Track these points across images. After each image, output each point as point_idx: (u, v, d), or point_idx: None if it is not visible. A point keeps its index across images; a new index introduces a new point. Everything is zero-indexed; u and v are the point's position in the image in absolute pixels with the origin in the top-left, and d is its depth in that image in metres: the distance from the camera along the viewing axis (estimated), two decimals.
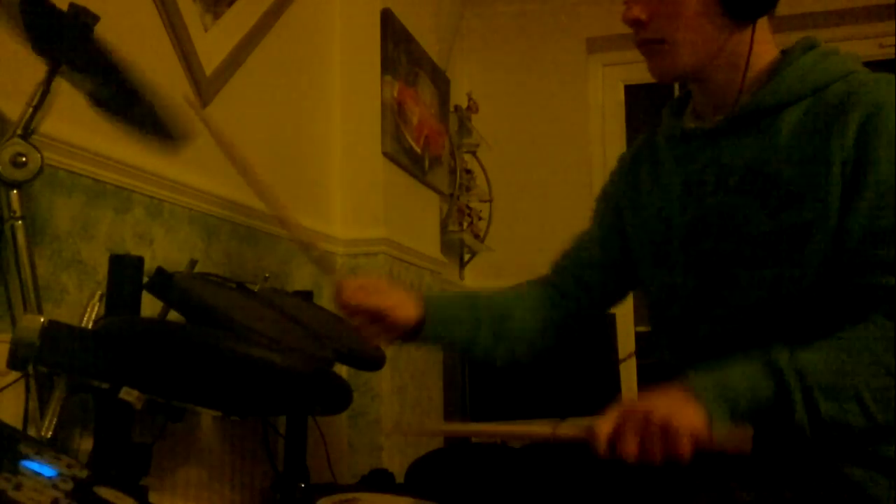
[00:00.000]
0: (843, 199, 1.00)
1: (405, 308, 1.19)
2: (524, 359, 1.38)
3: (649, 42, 1.13)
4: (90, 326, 1.19)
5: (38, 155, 1.09)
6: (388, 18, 2.57)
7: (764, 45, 1.12)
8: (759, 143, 1.10)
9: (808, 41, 1.12)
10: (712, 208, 1.14)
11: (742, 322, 1.10)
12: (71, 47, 1.11)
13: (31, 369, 1.08)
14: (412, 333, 1.21)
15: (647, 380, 3.49)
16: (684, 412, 0.92)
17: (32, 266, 1.12)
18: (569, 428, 0.99)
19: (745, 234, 1.08)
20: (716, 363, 0.99)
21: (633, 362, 3.52)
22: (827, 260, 1.02)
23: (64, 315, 1.40)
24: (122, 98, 1.20)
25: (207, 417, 1.72)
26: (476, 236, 3.49)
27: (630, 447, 0.92)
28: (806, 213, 1.03)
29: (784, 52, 1.13)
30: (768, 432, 0.96)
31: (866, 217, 0.99)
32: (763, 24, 1.11)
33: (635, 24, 1.12)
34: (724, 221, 1.11)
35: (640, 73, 1.23)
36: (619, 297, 1.44)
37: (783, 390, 0.93)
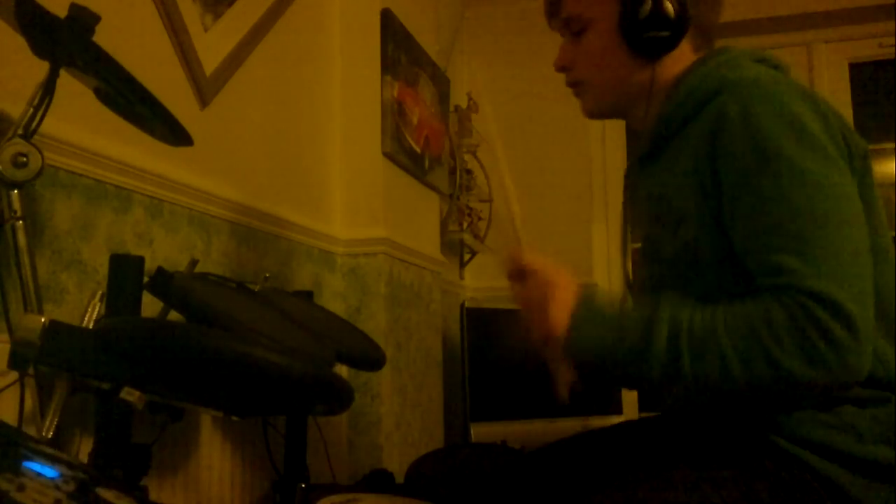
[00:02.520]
0: (712, 213, 1.04)
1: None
2: None
3: (572, 84, 1.25)
4: (91, 326, 1.19)
5: (39, 155, 1.09)
6: (388, 18, 2.57)
7: (683, 64, 1.16)
8: (664, 169, 1.15)
9: (705, 56, 1.14)
10: (646, 238, 1.22)
11: None
12: (71, 48, 1.11)
13: (31, 369, 1.08)
14: None
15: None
16: (559, 309, 1.03)
17: (33, 266, 1.12)
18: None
19: (662, 260, 1.14)
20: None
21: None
22: (723, 273, 1.04)
23: (64, 315, 1.40)
24: (127, 96, 1.20)
25: (207, 417, 1.72)
26: (476, 236, 3.49)
27: (522, 313, 1.08)
28: (689, 231, 1.07)
29: (682, 74, 1.16)
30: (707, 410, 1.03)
31: (738, 224, 1.00)
32: (683, 50, 1.15)
33: (562, 70, 1.24)
34: (652, 249, 1.19)
35: None
36: None
37: (651, 330, 0.96)
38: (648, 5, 1.11)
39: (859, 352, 0.89)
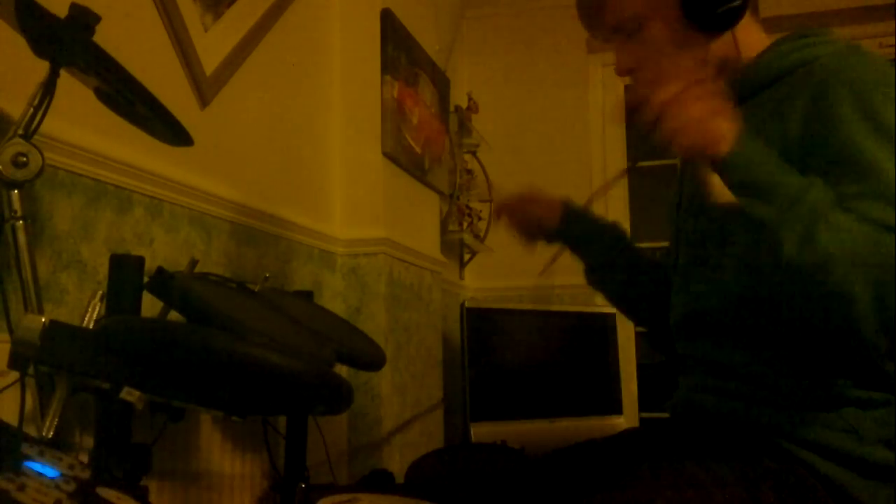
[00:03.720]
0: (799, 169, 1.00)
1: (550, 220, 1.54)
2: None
3: (647, 84, 1.17)
4: (91, 326, 1.19)
5: (40, 155, 1.09)
6: (388, 18, 2.57)
7: (754, 33, 1.14)
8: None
9: (799, 31, 1.13)
10: (696, 191, 1.19)
11: (718, 315, 1.14)
12: (72, 48, 1.11)
13: (32, 369, 1.08)
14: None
15: (647, 380, 3.49)
16: (727, 121, 0.95)
17: (33, 266, 1.12)
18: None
19: (721, 226, 1.12)
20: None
21: (633, 362, 3.52)
22: None
23: (64, 315, 1.40)
24: (127, 96, 1.20)
25: (207, 417, 1.72)
26: (476, 236, 3.49)
27: (667, 123, 0.96)
28: None
29: (776, 41, 1.14)
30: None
31: (833, 185, 0.96)
32: (746, 23, 1.12)
33: (628, 73, 1.18)
34: (699, 203, 1.16)
35: None
36: None
37: (802, 194, 0.91)
38: None
39: None
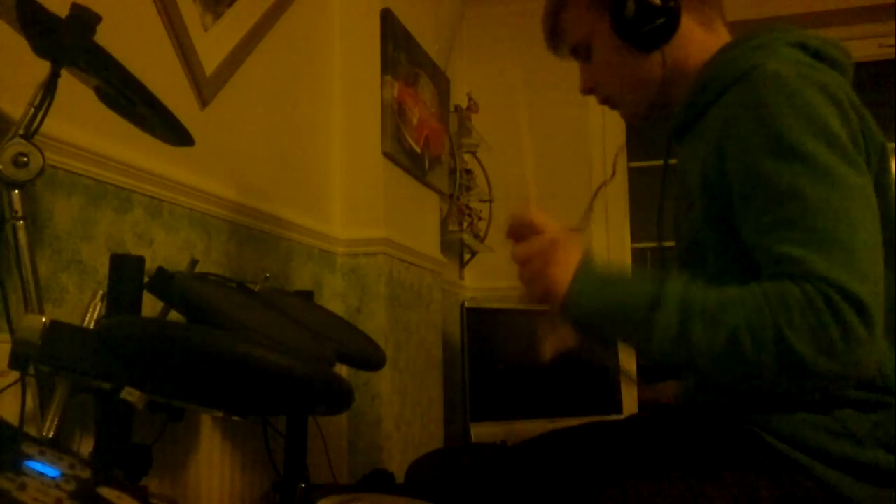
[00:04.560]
0: (721, 203, 1.02)
1: None
2: None
3: (604, 102, 1.26)
4: (91, 326, 1.19)
5: (40, 155, 1.09)
6: (388, 18, 2.57)
7: (697, 40, 1.16)
8: (686, 152, 1.16)
9: (741, 36, 1.14)
10: (674, 211, 1.22)
11: None
12: (72, 48, 1.11)
13: (32, 369, 1.08)
14: None
15: (648, 380, 3.49)
16: (560, 271, 1.01)
17: (34, 266, 1.12)
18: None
19: (681, 239, 1.16)
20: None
21: (633, 361, 3.52)
22: (724, 261, 1.05)
23: (64, 315, 1.40)
24: (128, 96, 1.20)
25: (207, 417, 1.72)
26: (476, 236, 3.49)
27: (520, 274, 1.06)
28: (696, 217, 1.08)
29: (714, 55, 1.15)
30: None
31: (749, 217, 0.98)
32: (690, 27, 1.15)
33: (589, 92, 1.26)
34: (676, 227, 1.20)
35: None
36: None
37: (659, 299, 0.94)
38: (632, 4, 1.13)
39: (870, 347, 0.87)
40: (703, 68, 1.13)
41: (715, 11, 1.19)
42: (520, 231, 1.09)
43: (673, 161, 1.28)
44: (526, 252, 1.05)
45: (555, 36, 1.27)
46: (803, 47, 1.09)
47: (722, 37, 1.18)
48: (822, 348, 0.86)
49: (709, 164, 1.04)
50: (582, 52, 1.23)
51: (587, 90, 1.27)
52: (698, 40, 1.16)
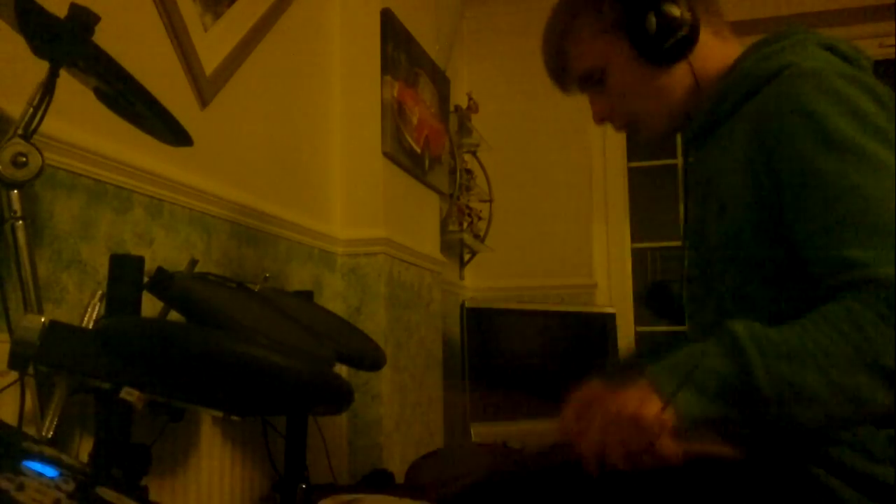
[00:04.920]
0: (770, 207, 0.99)
1: None
2: None
3: (625, 127, 1.21)
4: (91, 326, 1.19)
5: (39, 155, 1.09)
6: (388, 18, 2.57)
7: (718, 50, 1.14)
8: (711, 153, 1.13)
9: (770, 37, 1.12)
10: (695, 217, 1.18)
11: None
12: (71, 48, 1.11)
13: (31, 369, 1.08)
14: None
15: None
16: (641, 399, 0.87)
17: (33, 266, 1.12)
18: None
19: (708, 246, 1.11)
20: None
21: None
22: (765, 265, 1.01)
23: (64, 315, 1.40)
24: (127, 96, 1.20)
25: (207, 417, 1.72)
26: (476, 236, 3.49)
27: (590, 449, 0.90)
28: (734, 218, 1.03)
29: (742, 54, 1.13)
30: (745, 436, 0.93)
31: (803, 219, 0.95)
32: (706, 37, 1.13)
33: (605, 122, 1.22)
34: (698, 232, 1.15)
35: None
36: None
37: (739, 353, 0.86)
38: (653, 19, 1.10)
39: None
40: (728, 72, 1.11)
41: (721, 20, 1.18)
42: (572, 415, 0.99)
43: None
44: (597, 422, 0.91)
45: (561, 69, 1.23)
46: (832, 49, 1.08)
47: (733, 44, 1.17)
48: None
49: (755, 162, 1.01)
50: (594, 80, 1.19)
51: (602, 119, 1.22)
52: (714, 49, 1.14)
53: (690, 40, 1.11)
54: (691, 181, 1.21)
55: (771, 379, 0.85)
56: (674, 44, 1.11)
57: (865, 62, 1.10)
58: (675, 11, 1.10)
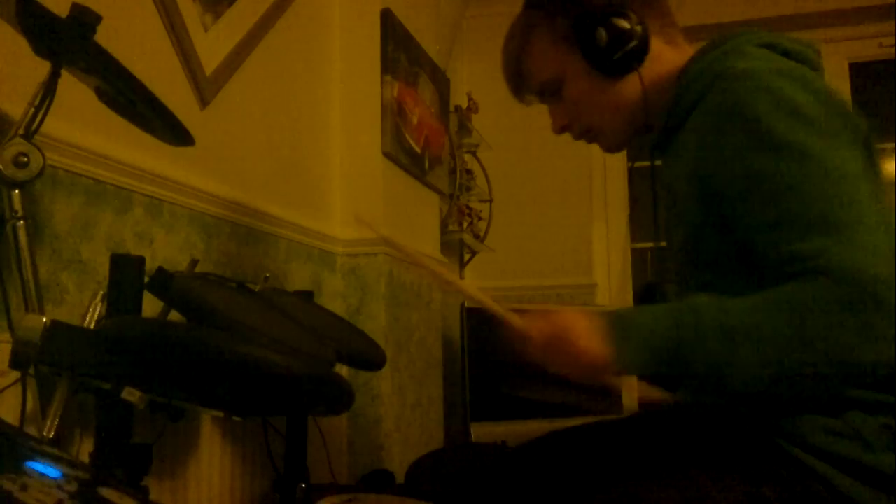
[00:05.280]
0: (717, 209, 1.02)
1: None
2: None
3: (582, 136, 1.26)
4: (92, 326, 1.19)
5: (40, 155, 1.09)
6: (388, 18, 2.57)
7: (668, 57, 1.16)
8: (670, 161, 1.16)
9: (709, 44, 1.13)
10: (662, 219, 1.23)
11: None
12: (72, 47, 1.11)
13: (32, 370, 1.08)
14: None
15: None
16: (589, 339, 0.98)
17: (34, 266, 1.12)
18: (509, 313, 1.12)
19: (676, 250, 1.15)
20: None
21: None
22: (724, 268, 1.04)
23: (65, 315, 1.40)
24: (128, 96, 1.20)
25: (208, 417, 1.72)
26: (476, 236, 3.49)
27: (535, 349, 1.04)
28: (689, 225, 1.07)
29: (685, 65, 1.15)
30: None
31: (749, 219, 0.97)
32: (658, 47, 1.16)
33: (563, 131, 1.26)
34: (668, 238, 1.20)
35: None
36: None
37: (680, 321, 0.93)
38: (603, 32, 1.13)
39: None
40: (677, 81, 1.13)
41: (675, 29, 1.20)
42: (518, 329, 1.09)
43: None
44: (542, 341, 1.04)
45: (519, 80, 1.27)
46: (771, 47, 1.09)
47: (687, 51, 1.19)
48: (872, 339, 0.85)
49: (700, 170, 1.04)
50: (550, 91, 1.23)
51: (561, 128, 1.26)
52: (668, 58, 1.17)
53: (642, 51, 1.14)
54: (658, 186, 1.25)
55: (702, 350, 0.92)
56: (623, 55, 1.14)
57: (812, 54, 1.11)
58: (625, 24, 1.13)
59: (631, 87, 1.17)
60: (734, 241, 1.01)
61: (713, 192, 1.02)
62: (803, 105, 0.97)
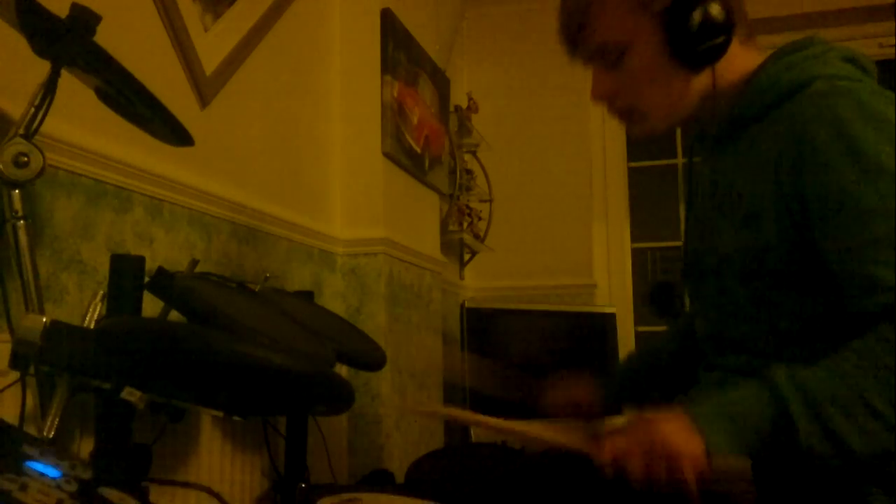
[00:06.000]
0: (799, 222, 0.99)
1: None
2: None
3: (622, 113, 1.15)
4: (92, 326, 1.19)
5: (41, 155, 1.09)
6: (388, 18, 2.57)
7: (738, 57, 1.11)
8: (731, 159, 1.11)
9: (790, 46, 1.10)
10: (699, 219, 1.17)
11: (734, 334, 1.10)
12: (72, 48, 1.11)
13: (32, 369, 1.08)
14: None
15: None
16: (685, 438, 0.92)
17: (34, 266, 1.12)
18: (573, 437, 1.01)
19: (720, 252, 1.10)
20: (716, 388, 1.01)
21: None
22: (790, 281, 1.01)
23: (65, 315, 1.40)
24: (128, 96, 1.20)
25: (208, 417, 1.72)
26: (476, 236, 3.49)
27: (636, 471, 0.94)
28: (760, 232, 1.03)
29: (763, 62, 1.11)
30: (779, 463, 0.96)
31: (834, 238, 0.96)
32: (734, 48, 1.09)
33: (603, 101, 1.15)
34: (708, 236, 1.14)
35: None
36: None
37: (782, 404, 0.91)
38: (698, 16, 1.04)
39: None
40: (750, 79, 1.09)
41: (749, 29, 1.14)
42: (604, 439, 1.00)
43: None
44: (637, 449, 0.96)
45: (577, 34, 1.13)
46: (853, 62, 1.07)
47: (753, 52, 1.14)
48: None
49: (783, 178, 1.00)
50: (608, 55, 1.11)
51: (603, 97, 1.15)
52: (738, 57, 1.11)
53: (723, 48, 1.07)
54: (701, 182, 1.20)
55: (812, 429, 0.89)
56: (708, 48, 1.06)
57: (875, 70, 1.10)
58: (720, 16, 1.04)
59: (700, 81, 1.10)
60: (807, 251, 0.99)
61: (795, 199, 0.99)
62: None
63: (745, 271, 1.06)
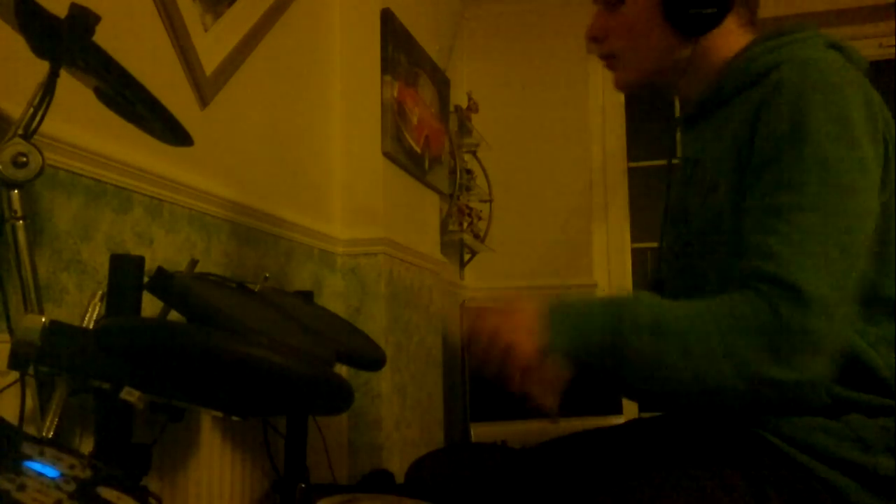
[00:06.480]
0: (742, 184, 1.01)
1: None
2: None
3: (605, 56, 1.21)
4: (91, 326, 1.19)
5: (40, 155, 1.09)
6: (388, 18, 2.57)
7: (731, 38, 1.13)
8: (704, 135, 1.14)
9: (769, 32, 1.12)
10: (677, 200, 1.19)
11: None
12: (71, 48, 1.11)
13: (32, 369, 1.08)
14: None
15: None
16: (526, 332, 0.98)
17: (33, 266, 1.12)
18: None
19: (690, 226, 1.13)
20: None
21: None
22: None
23: (64, 315, 1.40)
24: (127, 96, 1.20)
25: (208, 417, 1.72)
26: (476, 236, 3.49)
27: (475, 352, 1.03)
28: (718, 199, 1.05)
29: (749, 43, 1.13)
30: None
31: (750, 202, 0.98)
32: (730, 25, 1.12)
33: (594, 40, 1.21)
34: (680, 212, 1.17)
35: None
36: None
37: (620, 319, 0.95)
38: None
39: (827, 352, 0.90)
40: (734, 59, 1.11)
41: (753, 15, 1.17)
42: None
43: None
44: (487, 331, 1.02)
45: None
46: (839, 49, 1.08)
47: (752, 36, 1.15)
48: (779, 359, 0.89)
49: (742, 141, 1.02)
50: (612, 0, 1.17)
51: (593, 37, 1.20)
52: (731, 38, 1.13)
53: (713, 20, 1.10)
54: (679, 165, 1.22)
55: (635, 344, 0.94)
56: (696, 16, 1.09)
57: (864, 64, 1.10)
58: None
59: (682, 50, 1.13)
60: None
61: (748, 164, 1.01)
62: (853, 119, 0.96)
63: (706, 241, 1.08)
